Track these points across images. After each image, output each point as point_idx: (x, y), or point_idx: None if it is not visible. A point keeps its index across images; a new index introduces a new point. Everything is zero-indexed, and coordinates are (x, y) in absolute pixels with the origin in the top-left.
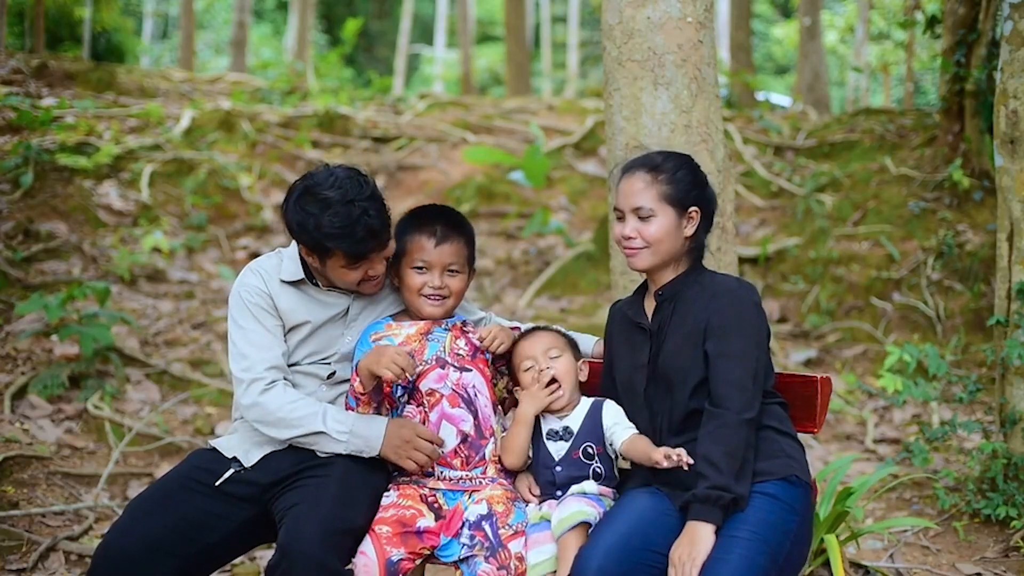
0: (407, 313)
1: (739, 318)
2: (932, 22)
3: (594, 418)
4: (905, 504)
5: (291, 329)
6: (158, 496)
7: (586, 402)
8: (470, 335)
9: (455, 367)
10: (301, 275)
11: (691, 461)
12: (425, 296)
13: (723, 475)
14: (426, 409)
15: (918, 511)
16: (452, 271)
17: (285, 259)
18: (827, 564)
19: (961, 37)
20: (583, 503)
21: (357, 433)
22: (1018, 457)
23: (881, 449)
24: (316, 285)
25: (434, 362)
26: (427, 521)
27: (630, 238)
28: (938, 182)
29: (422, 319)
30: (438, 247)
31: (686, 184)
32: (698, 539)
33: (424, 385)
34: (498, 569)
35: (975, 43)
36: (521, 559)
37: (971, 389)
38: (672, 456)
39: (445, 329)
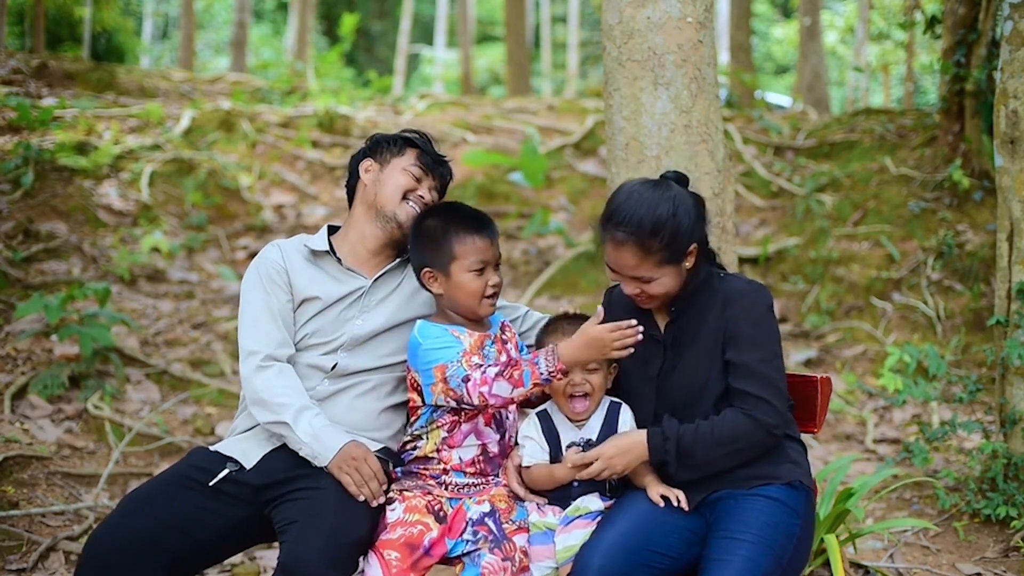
0: (443, 316)
1: (755, 324)
2: (932, 22)
3: (611, 426)
4: (905, 504)
5: (301, 303)
6: (150, 492)
7: (603, 404)
8: (508, 346)
9: None
10: (326, 247)
11: (687, 507)
12: (487, 297)
13: (691, 452)
14: (461, 420)
15: (918, 511)
16: (498, 266)
17: (314, 236)
18: (827, 564)
19: (961, 37)
20: (589, 531)
21: (319, 439)
22: (1018, 457)
23: (881, 449)
24: (339, 263)
25: None
26: (433, 535)
27: (634, 295)
28: (938, 182)
29: (472, 320)
30: (493, 243)
31: (679, 238)
32: (632, 449)
33: None
34: (503, 560)
35: (975, 43)
36: (526, 553)
37: (971, 389)
38: (671, 498)
39: (492, 342)
